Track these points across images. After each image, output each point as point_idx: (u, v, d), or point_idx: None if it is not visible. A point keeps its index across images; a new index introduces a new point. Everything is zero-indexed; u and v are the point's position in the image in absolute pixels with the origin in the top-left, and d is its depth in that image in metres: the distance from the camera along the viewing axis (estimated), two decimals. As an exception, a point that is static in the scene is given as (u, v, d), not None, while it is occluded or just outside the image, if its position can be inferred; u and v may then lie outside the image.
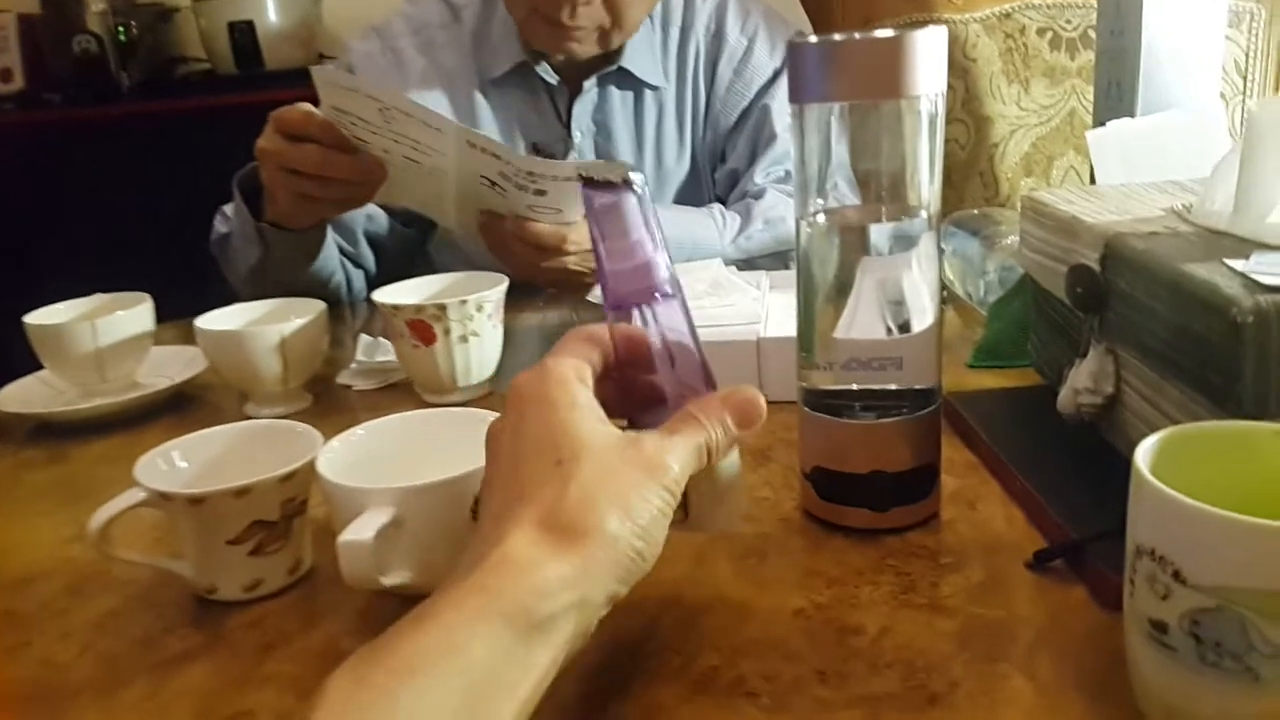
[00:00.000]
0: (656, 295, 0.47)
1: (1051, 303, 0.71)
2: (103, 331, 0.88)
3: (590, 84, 1.25)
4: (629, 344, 0.49)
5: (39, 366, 0.92)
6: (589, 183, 0.47)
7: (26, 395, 0.92)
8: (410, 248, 1.32)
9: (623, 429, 0.45)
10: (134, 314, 0.90)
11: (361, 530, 0.51)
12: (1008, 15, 1.39)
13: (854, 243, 0.57)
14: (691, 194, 1.32)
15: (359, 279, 1.25)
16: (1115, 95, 1.03)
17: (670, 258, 0.48)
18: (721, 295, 0.88)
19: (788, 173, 1.24)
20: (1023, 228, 0.73)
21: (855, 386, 0.58)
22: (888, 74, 0.52)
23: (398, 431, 0.62)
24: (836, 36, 0.52)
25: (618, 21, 1.15)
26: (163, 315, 0.95)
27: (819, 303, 0.58)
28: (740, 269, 0.99)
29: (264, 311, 0.90)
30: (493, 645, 0.37)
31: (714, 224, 1.20)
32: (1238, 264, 0.52)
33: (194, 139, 1.87)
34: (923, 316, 0.57)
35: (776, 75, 1.28)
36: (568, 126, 1.27)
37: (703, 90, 1.29)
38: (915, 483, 0.59)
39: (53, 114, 2.23)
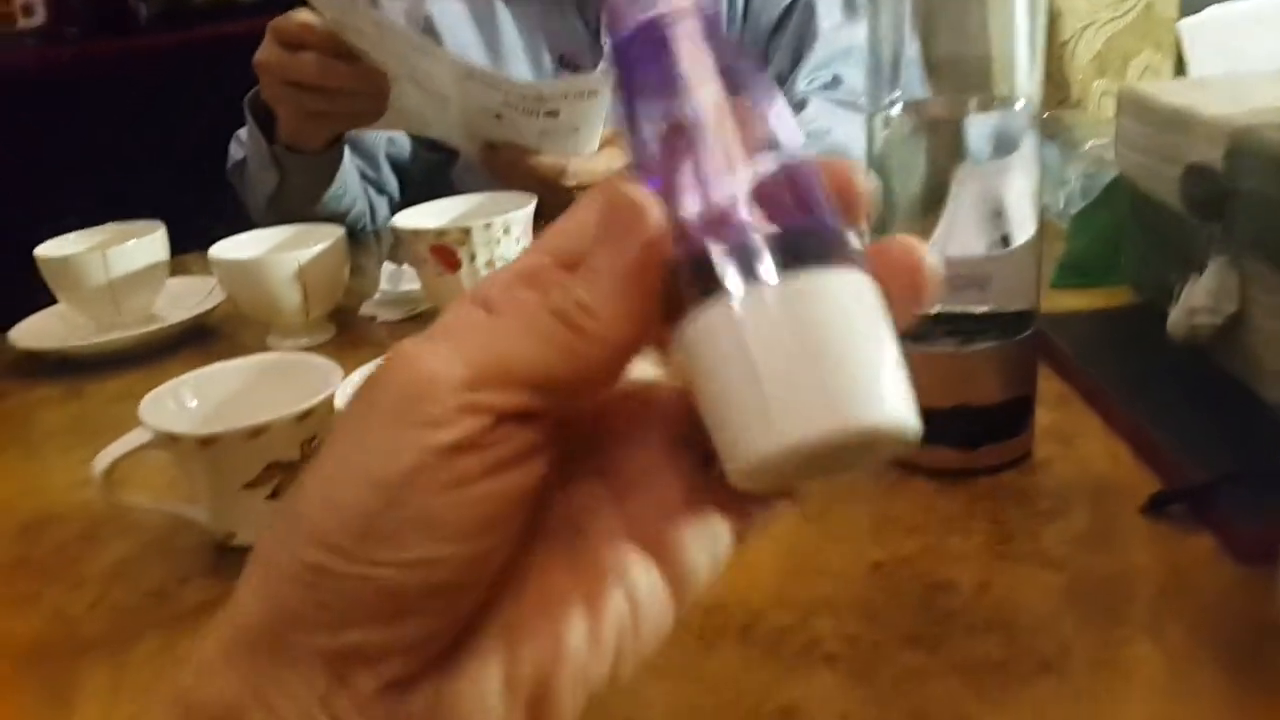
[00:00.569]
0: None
1: (1156, 210, 0.64)
2: (114, 262, 0.84)
3: None
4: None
5: (55, 301, 0.89)
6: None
7: (41, 330, 0.89)
8: (435, 173, 1.26)
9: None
10: (146, 243, 0.87)
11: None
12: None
13: (943, 144, 0.50)
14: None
15: (383, 206, 1.21)
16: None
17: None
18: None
19: (835, 78, 1.15)
20: (1119, 124, 0.66)
21: (938, 309, 0.51)
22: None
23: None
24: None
25: None
26: (185, 247, 0.92)
27: (897, 214, 0.51)
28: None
29: (282, 238, 0.86)
30: None
31: None
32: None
33: (214, 69, 1.82)
34: (1023, 230, 0.50)
35: None
36: (596, 35, 1.19)
37: None
38: (1007, 417, 0.53)
39: (72, 48, 2.23)
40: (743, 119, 0.24)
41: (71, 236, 0.89)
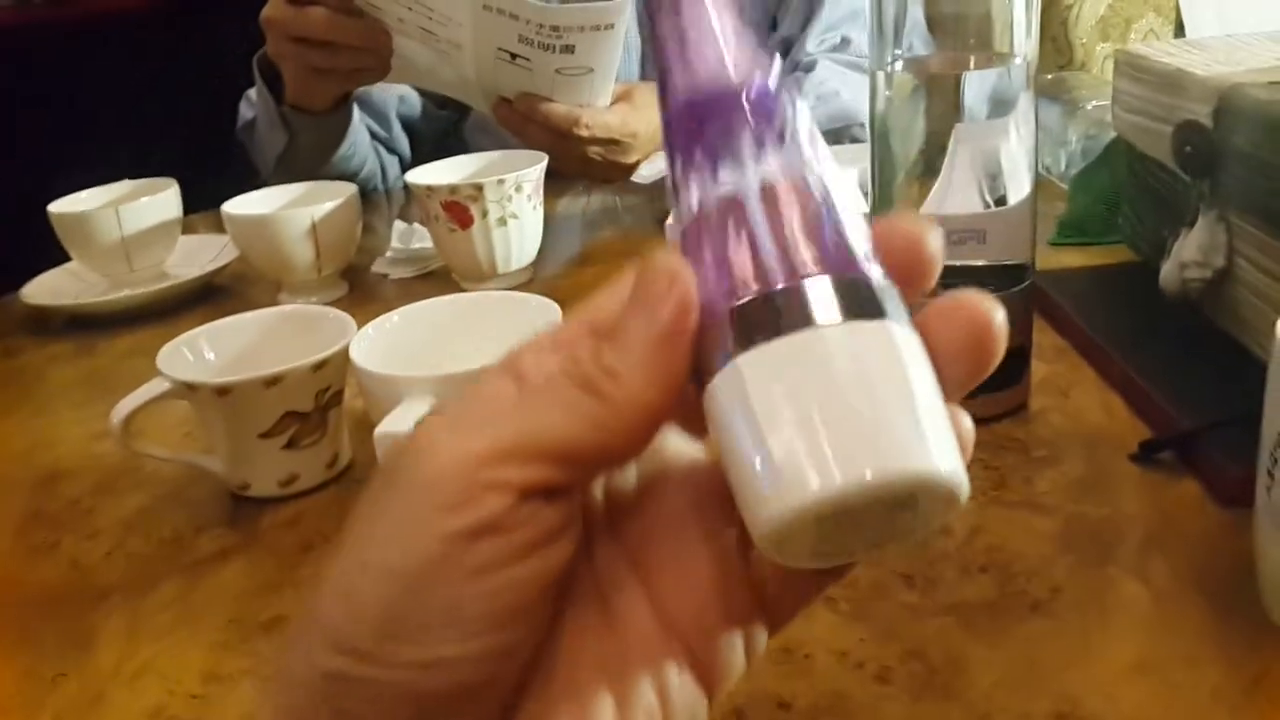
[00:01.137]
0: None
1: (1150, 169, 0.64)
2: (127, 218, 0.85)
3: None
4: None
5: (68, 259, 0.90)
6: None
7: (55, 287, 0.89)
8: (446, 132, 1.26)
9: None
10: (159, 199, 0.87)
11: (400, 421, 0.47)
12: None
13: (941, 102, 0.51)
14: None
15: (394, 166, 1.20)
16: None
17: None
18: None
19: (844, 39, 1.15)
20: (1116, 86, 0.66)
21: (937, 263, 0.52)
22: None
23: (434, 317, 0.58)
24: None
25: None
26: (196, 205, 0.91)
27: (899, 171, 0.52)
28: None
29: (294, 196, 0.86)
30: None
31: None
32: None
33: (221, 27, 1.81)
34: (1019, 186, 0.51)
35: None
36: None
37: None
38: (1003, 368, 0.53)
39: (78, 7, 2.18)
40: (796, 196, 0.23)
41: (84, 194, 0.89)
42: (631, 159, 0.98)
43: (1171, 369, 0.54)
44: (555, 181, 0.85)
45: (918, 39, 0.51)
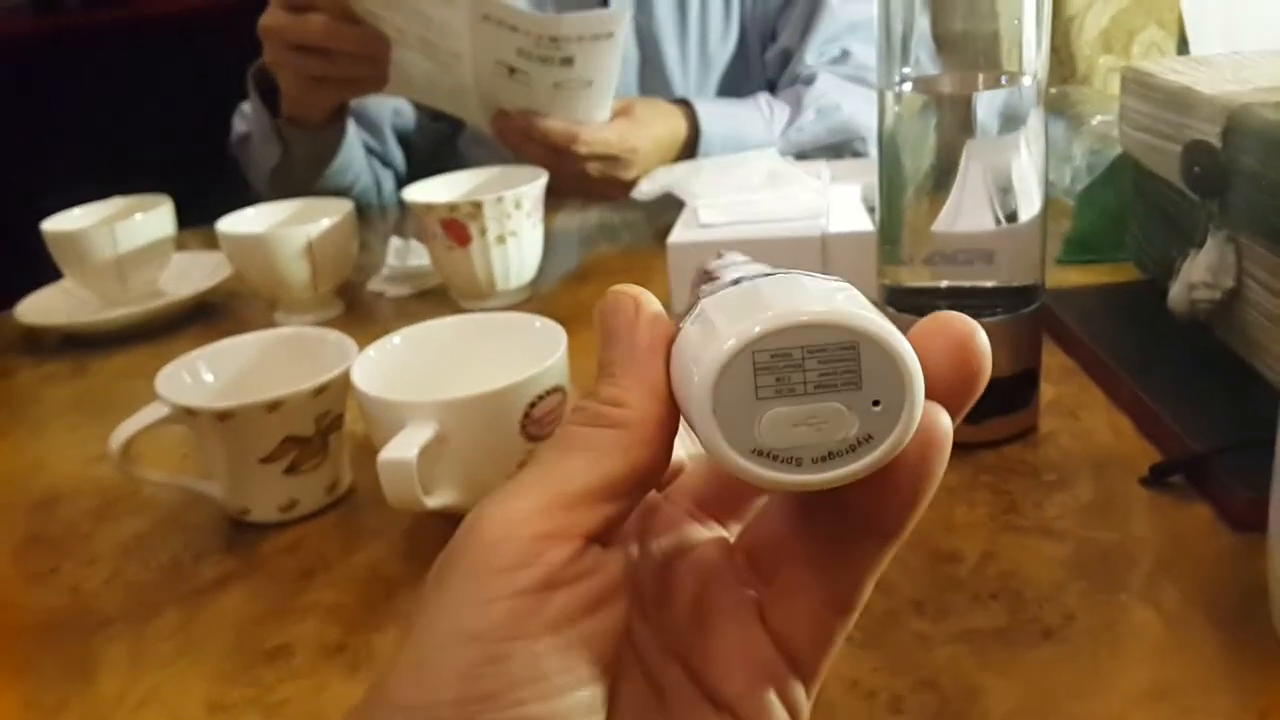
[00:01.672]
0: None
1: (1158, 187, 0.64)
2: (122, 236, 0.84)
3: None
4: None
5: (59, 275, 0.89)
6: None
7: (48, 306, 0.89)
8: (441, 145, 1.25)
9: None
10: (154, 217, 0.86)
11: (403, 448, 0.46)
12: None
13: (952, 119, 0.50)
14: (739, 79, 1.23)
15: (389, 180, 1.20)
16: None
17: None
18: (779, 187, 0.81)
19: (844, 52, 1.14)
20: (1123, 103, 0.66)
21: (945, 284, 0.52)
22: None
23: (437, 339, 0.57)
24: None
25: None
26: (188, 221, 0.91)
27: (908, 187, 0.51)
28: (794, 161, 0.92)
29: (289, 213, 0.86)
30: None
31: (760, 116, 1.11)
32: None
33: (213, 39, 1.80)
34: (1029, 205, 0.50)
35: None
36: (604, 3, 1.18)
37: None
38: (1013, 391, 0.53)
39: (68, 18, 2.19)
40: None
41: (77, 211, 0.88)
42: (630, 175, 0.97)
43: (1180, 390, 0.54)
44: (553, 197, 0.84)
45: (924, 54, 0.51)
